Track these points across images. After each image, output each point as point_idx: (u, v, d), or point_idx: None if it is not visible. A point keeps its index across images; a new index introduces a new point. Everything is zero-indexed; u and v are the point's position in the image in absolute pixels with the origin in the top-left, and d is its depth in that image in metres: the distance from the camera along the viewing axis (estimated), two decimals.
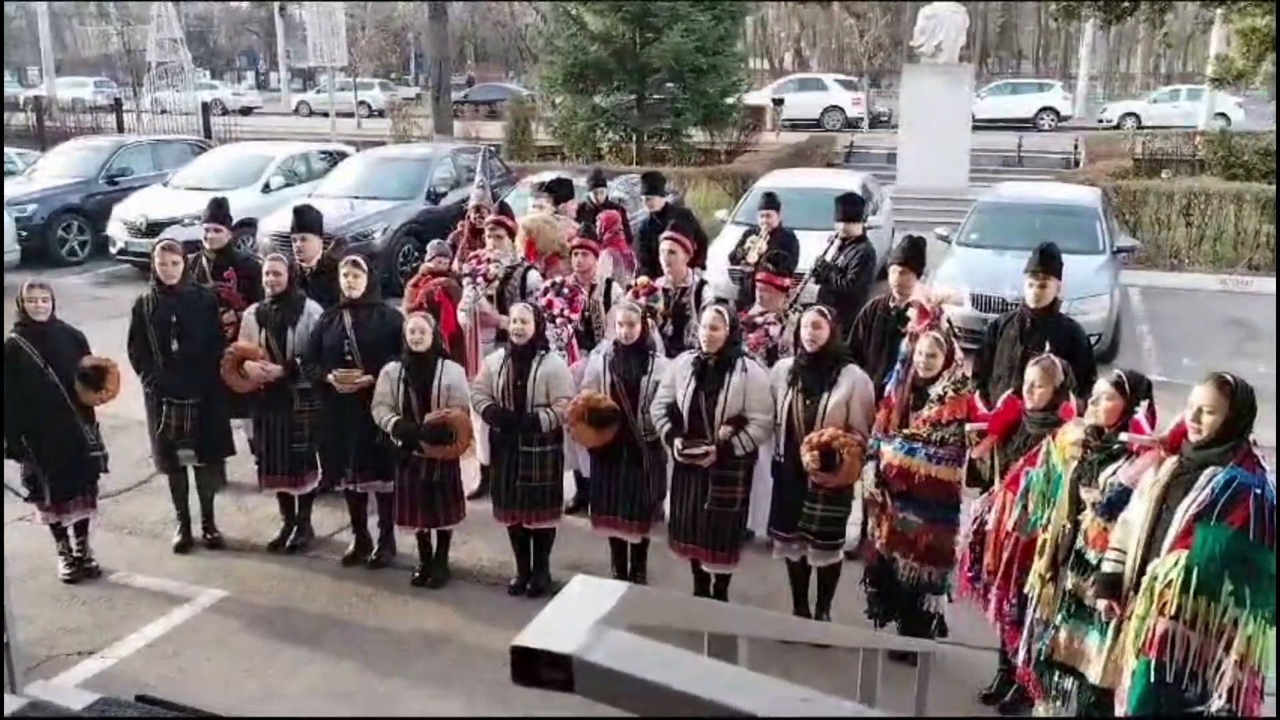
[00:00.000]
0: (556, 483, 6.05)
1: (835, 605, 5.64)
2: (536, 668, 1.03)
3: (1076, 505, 4.19)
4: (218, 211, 7.26)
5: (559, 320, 6.63)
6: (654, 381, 5.64)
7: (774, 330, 6.16)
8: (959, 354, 5.22)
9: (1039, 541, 4.34)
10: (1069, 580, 4.16)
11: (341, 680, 5.27)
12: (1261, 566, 3.56)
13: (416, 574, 6.20)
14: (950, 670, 5.12)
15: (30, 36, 47.66)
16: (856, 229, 7.85)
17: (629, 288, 6.83)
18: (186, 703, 4.24)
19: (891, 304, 6.11)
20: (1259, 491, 3.60)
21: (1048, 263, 5.66)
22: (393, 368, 5.94)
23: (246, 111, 37.11)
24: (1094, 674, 4.04)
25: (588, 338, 6.70)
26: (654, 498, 5.88)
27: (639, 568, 6.02)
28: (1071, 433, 4.30)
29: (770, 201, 8.49)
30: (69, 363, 6.04)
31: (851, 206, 7.98)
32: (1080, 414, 4.40)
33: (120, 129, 23.89)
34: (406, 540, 6.36)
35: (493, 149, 17.03)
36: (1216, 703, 3.61)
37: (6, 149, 18.62)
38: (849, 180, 13.32)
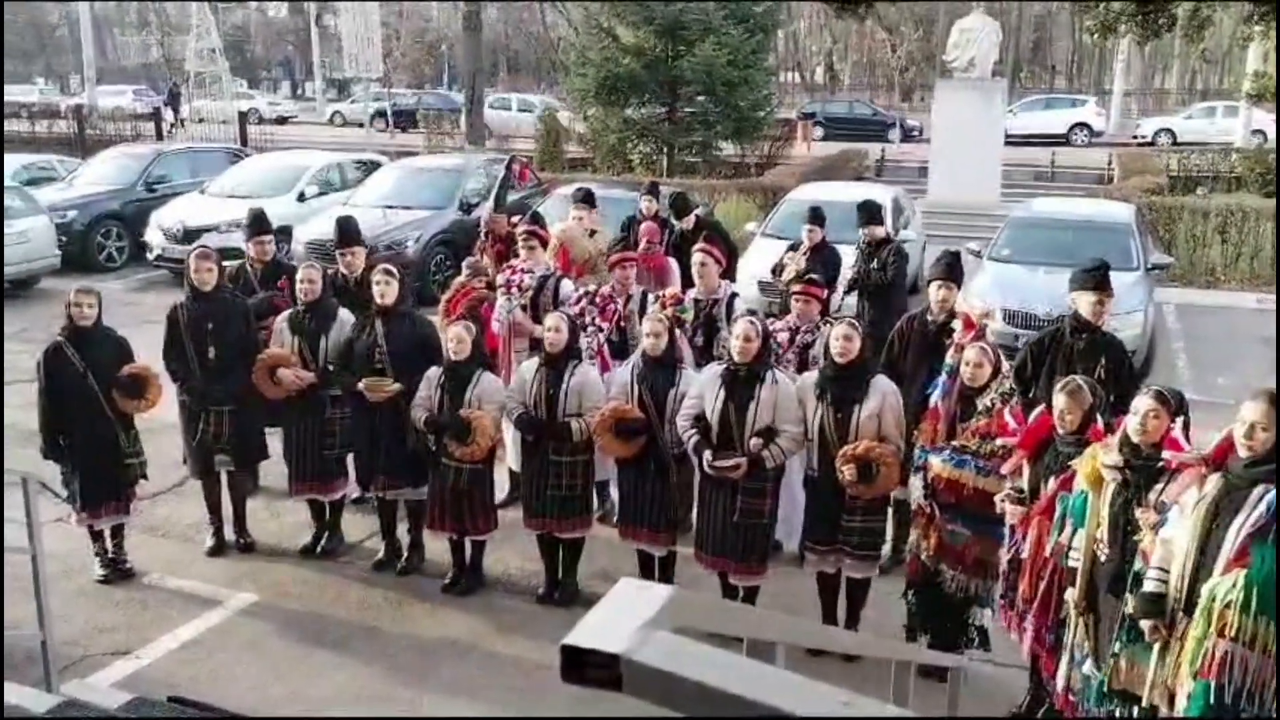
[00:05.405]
0: (586, 492, 6.07)
1: (863, 621, 5.62)
2: (585, 667, 1.05)
3: (1125, 529, 4.10)
4: (263, 223, 7.37)
5: (589, 329, 6.66)
6: (682, 393, 5.63)
7: (809, 338, 6.15)
8: (1005, 365, 5.19)
9: (1066, 570, 4.29)
10: (1129, 605, 4.03)
11: (369, 685, 5.30)
12: None
13: (447, 580, 6.23)
14: (980, 686, 5.08)
15: (72, 44, 48.51)
16: (880, 231, 8.02)
17: (658, 298, 6.85)
18: (217, 704, 4.28)
19: (930, 318, 6.08)
20: None
21: (1107, 281, 5.55)
22: (434, 373, 5.99)
23: (282, 121, 37.63)
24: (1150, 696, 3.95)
25: (622, 348, 6.71)
26: (681, 510, 5.88)
27: (666, 579, 6.01)
28: (1104, 455, 4.18)
29: (815, 216, 8.44)
30: (110, 369, 6.09)
31: (870, 211, 8.20)
32: (1111, 432, 4.32)
33: (159, 137, 24.26)
34: (436, 547, 6.40)
35: (523, 160, 17.10)
36: None
37: (48, 156, 18.99)
38: (879, 193, 13.29)
